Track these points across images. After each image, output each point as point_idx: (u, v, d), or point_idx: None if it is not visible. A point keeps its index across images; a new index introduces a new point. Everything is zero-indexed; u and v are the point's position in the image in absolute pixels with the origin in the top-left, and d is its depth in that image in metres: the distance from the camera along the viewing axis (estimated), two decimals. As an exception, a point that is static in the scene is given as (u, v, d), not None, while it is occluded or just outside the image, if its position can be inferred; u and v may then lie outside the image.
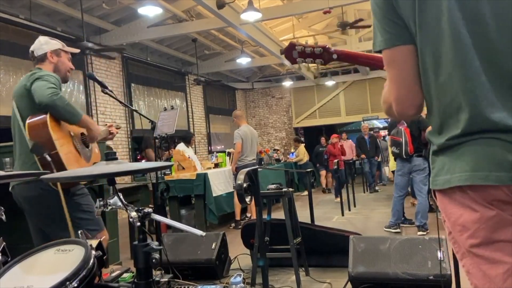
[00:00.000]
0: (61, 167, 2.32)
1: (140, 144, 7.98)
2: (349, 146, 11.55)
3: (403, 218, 5.75)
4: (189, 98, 12.60)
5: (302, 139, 16.48)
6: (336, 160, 8.22)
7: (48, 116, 2.35)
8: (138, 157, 8.65)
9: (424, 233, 5.09)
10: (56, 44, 2.71)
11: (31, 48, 2.68)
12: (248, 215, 6.76)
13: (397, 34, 1.10)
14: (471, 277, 1.05)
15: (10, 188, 2.54)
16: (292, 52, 1.66)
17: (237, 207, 6.46)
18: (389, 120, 7.74)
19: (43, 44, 2.68)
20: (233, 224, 6.54)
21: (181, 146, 7.39)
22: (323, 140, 11.83)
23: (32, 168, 2.34)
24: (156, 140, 3.97)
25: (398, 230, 5.48)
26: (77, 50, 2.85)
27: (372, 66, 1.63)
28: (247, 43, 10.71)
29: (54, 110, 2.34)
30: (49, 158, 2.29)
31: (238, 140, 6.39)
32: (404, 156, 5.30)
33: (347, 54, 1.63)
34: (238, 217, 6.50)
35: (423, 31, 1.05)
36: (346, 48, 11.24)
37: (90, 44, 7.05)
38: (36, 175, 2.27)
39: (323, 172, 11.38)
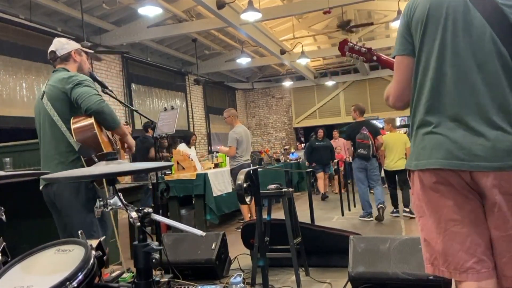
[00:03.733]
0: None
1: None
2: (341, 145, 10.60)
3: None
4: (189, 98, 12.60)
5: (302, 139, 16.50)
6: (336, 160, 8.22)
7: (93, 120, 2.47)
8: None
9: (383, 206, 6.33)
10: (76, 44, 2.76)
11: (52, 48, 2.68)
12: (248, 215, 6.75)
13: (406, 47, 1.52)
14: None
15: (42, 187, 2.57)
16: (344, 46, 2.03)
17: (244, 208, 6.31)
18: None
19: (65, 44, 2.69)
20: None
21: (182, 147, 7.39)
22: (320, 133, 9.82)
23: (70, 167, 2.42)
24: (163, 140, 3.93)
25: (372, 218, 6.41)
26: (91, 51, 2.88)
27: None
28: (247, 43, 10.72)
29: (101, 116, 2.47)
30: (96, 159, 2.41)
31: (233, 144, 6.26)
32: (371, 157, 6.35)
33: (383, 60, 1.97)
34: (247, 218, 6.20)
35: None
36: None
37: (89, 44, 7.05)
38: (36, 175, 2.28)
39: (320, 175, 9.69)
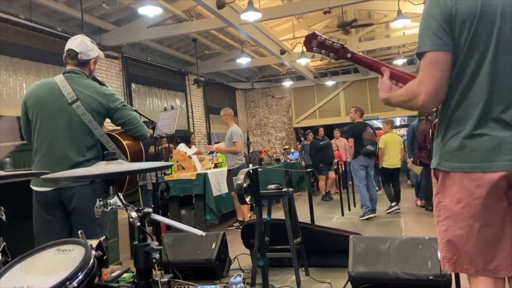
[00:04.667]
0: (137, 183, 2.78)
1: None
2: (342, 145, 10.05)
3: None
4: (189, 98, 12.60)
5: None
6: (336, 160, 8.21)
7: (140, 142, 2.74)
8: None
9: (375, 215, 6.58)
10: (97, 51, 2.75)
11: (76, 50, 2.61)
12: (248, 214, 6.74)
13: (447, 42, 1.41)
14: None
15: (51, 190, 2.50)
16: (312, 40, 1.75)
17: (244, 208, 6.26)
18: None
19: (90, 50, 2.67)
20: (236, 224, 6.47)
21: (181, 147, 7.40)
22: (321, 131, 9.59)
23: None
24: (164, 139, 3.92)
25: (371, 215, 6.55)
26: (103, 56, 2.88)
27: (372, 70, 1.77)
28: (247, 43, 10.71)
29: (144, 140, 2.77)
30: (138, 178, 2.77)
31: (239, 140, 6.34)
32: (376, 154, 6.75)
33: (358, 57, 1.77)
34: (247, 218, 6.19)
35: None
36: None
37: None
38: (36, 175, 2.28)
39: (324, 176, 9.41)
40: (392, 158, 7.15)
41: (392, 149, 7.14)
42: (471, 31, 1.38)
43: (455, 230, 1.47)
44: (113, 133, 2.66)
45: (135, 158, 2.62)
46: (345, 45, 1.77)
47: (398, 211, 6.86)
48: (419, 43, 1.46)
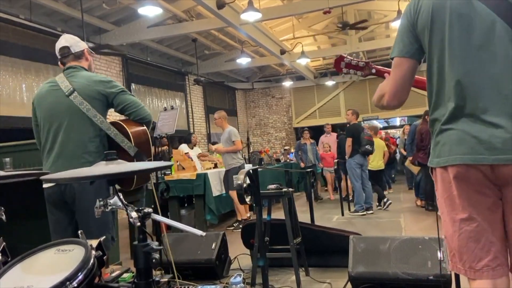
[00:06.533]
0: (148, 176, 2.74)
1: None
2: (333, 141, 9.46)
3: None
4: (189, 98, 12.60)
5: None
6: (336, 160, 8.20)
7: (145, 128, 2.65)
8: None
9: (372, 212, 7.00)
10: (84, 43, 2.74)
11: (66, 44, 2.63)
12: (247, 214, 6.74)
13: (409, 50, 1.54)
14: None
15: (51, 185, 2.51)
16: (340, 62, 1.98)
17: (245, 206, 6.29)
18: (388, 120, 8.61)
19: (78, 42, 2.68)
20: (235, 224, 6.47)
21: (183, 147, 7.43)
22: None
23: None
24: (164, 139, 3.95)
25: (365, 213, 6.94)
26: (93, 52, 2.88)
27: None
28: (247, 43, 10.71)
29: (148, 125, 2.67)
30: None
31: (238, 138, 6.40)
32: (373, 153, 7.19)
33: (382, 71, 1.91)
34: (245, 217, 6.29)
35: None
36: (346, 48, 11.28)
37: (90, 44, 7.05)
38: (36, 175, 2.28)
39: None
40: (375, 161, 7.89)
41: (376, 153, 7.69)
42: (428, 36, 1.48)
43: (446, 226, 1.52)
44: (116, 120, 2.65)
45: (139, 140, 2.56)
46: (369, 63, 1.96)
47: (389, 203, 7.35)
48: (391, 50, 1.61)
